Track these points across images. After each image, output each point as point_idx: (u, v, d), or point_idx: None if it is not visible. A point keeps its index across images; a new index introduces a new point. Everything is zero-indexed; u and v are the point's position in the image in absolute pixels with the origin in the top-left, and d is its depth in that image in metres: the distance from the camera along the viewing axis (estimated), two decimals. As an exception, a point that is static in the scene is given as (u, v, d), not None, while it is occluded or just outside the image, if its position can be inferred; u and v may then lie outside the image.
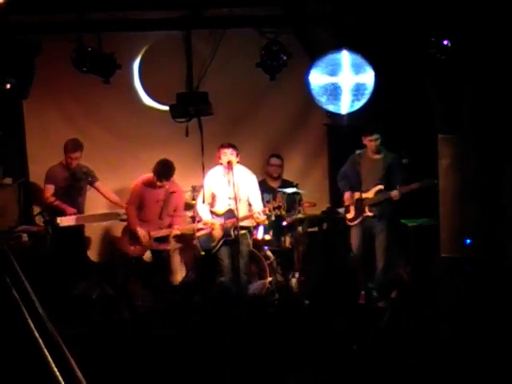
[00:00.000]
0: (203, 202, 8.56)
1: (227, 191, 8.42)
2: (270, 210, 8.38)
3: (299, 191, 9.28)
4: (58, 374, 1.87)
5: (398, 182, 8.49)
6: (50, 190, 9.13)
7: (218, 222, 8.50)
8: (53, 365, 1.89)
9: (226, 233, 8.43)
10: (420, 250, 8.61)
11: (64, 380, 1.87)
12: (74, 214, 8.98)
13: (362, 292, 8.28)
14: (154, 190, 8.91)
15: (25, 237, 8.89)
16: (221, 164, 8.45)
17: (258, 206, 8.50)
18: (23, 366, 1.97)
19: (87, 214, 9.24)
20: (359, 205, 8.66)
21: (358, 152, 8.71)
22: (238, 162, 8.42)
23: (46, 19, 8.66)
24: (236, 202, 8.21)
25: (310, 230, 9.71)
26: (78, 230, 9.15)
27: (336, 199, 9.53)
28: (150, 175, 8.92)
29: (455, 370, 4.48)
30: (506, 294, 6.02)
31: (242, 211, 8.32)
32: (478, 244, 8.21)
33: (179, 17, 9.02)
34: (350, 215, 8.90)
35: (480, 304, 5.72)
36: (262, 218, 8.39)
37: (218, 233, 8.49)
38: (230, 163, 8.29)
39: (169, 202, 8.95)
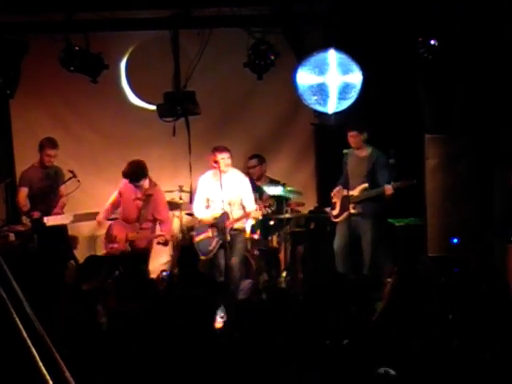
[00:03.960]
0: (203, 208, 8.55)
1: (221, 195, 8.33)
2: (260, 208, 8.40)
3: (286, 190, 9.26)
4: (46, 374, 1.88)
5: (384, 181, 8.47)
6: (23, 192, 8.93)
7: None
8: (41, 365, 1.89)
9: (220, 235, 8.39)
10: (407, 249, 8.64)
11: (52, 380, 1.87)
12: (41, 216, 8.74)
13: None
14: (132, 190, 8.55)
15: (12, 236, 8.87)
16: (215, 168, 8.31)
17: (252, 207, 8.48)
18: (11, 367, 1.97)
19: (72, 213, 9.14)
20: (345, 202, 8.68)
21: (348, 151, 8.68)
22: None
23: (34, 19, 8.65)
24: (230, 205, 8.24)
25: (297, 229, 9.72)
26: (63, 228, 9.10)
27: (323, 199, 9.53)
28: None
29: (444, 370, 4.50)
30: (494, 293, 6.05)
31: (236, 214, 8.34)
32: (465, 244, 8.25)
33: (167, 16, 9.03)
34: (335, 212, 8.93)
35: (467, 303, 5.74)
36: (258, 214, 8.41)
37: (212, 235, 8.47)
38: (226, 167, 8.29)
39: (147, 205, 8.49)
